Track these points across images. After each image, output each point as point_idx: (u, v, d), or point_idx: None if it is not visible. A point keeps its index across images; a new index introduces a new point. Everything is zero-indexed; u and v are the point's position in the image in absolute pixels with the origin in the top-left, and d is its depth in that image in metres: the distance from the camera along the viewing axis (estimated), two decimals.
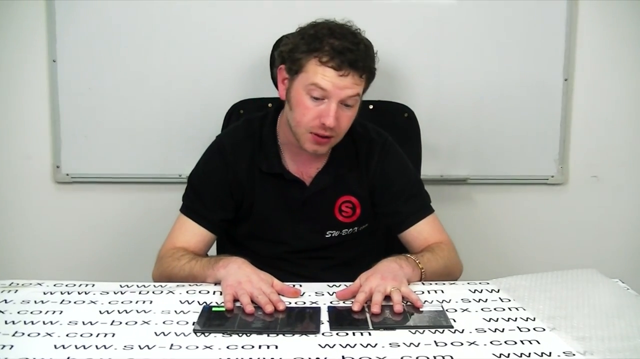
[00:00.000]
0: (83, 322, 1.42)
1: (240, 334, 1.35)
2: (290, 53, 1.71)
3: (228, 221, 1.87)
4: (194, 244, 1.80)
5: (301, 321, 1.44)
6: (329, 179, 1.83)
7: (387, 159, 1.86)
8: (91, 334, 1.36)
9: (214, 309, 1.48)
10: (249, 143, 1.84)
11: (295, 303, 1.53)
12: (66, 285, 1.62)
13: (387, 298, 1.52)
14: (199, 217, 1.82)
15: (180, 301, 1.53)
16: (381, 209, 1.87)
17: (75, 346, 1.30)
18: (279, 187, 1.83)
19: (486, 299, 1.56)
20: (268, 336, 1.35)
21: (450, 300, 1.55)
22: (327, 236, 1.86)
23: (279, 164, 1.82)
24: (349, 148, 1.85)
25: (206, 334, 1.35)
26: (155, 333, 1.37)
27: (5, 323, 1.41)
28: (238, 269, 1.59)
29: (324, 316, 1.45)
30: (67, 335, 1.35)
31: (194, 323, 1.41)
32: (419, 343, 1.32)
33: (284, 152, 1.83)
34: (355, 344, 1.32)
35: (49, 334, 1.36)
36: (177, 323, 1.42)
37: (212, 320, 1.42)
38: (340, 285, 1.62)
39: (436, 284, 1.66)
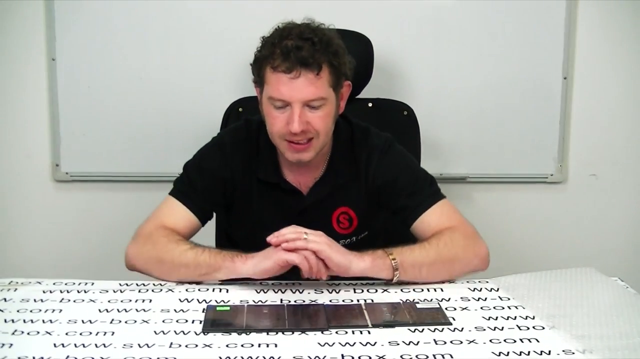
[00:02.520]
0: (82, 321, 1.41)
1: (239, 333, 1.35)
2: (253, 65, 1.68)
3: (214, 212, 1.83)
4: (182, 228, 1.73)
5: (308, 317, 1.44)
6: (327, 190, 1.78)
7: (385, 159, 1.79)
8: (90, 333, 1.36)
9: (218, 308, 1.48)
10: (247, 147, 1.79)
11: (295, 301, 1.53)
12: (65, 284, 1.62)
13: (387, 296, 1.54)
14: (189, 201, 1.75)
15: (180, 300, 1.53)
16: (389, 208, 1.80)
17: (75, 344, 1.30)
18: (275, 196, 1.79)
19: (485, 298, 1.56)
20: (267, 334, 1.35)
21: (449, 299, 1.55)
22: None
23: (275, 173, 1.78)
24: (348, 157, 1.80)
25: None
26: (155, 331, 1.37)
27: (5, 321, 1.41)
28: (261, 254, 1.57)
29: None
30: (66, 334, 1.35)
31: (201, 322, 1.40)
32: (418, 342, 1.32)
33: (281, 160, 1.78)
34: (354, 343, 1.31)
35: (49, 333, 1.35)
36: (177, 321, 1.42)
37: (219, 319, 1.42)
38: (339, 283, 1.63)
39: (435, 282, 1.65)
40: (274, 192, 1.79)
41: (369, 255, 1.59)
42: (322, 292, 1.59)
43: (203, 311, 1.46)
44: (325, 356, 1.26)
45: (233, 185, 1.80)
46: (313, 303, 1.52)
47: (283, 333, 1.35)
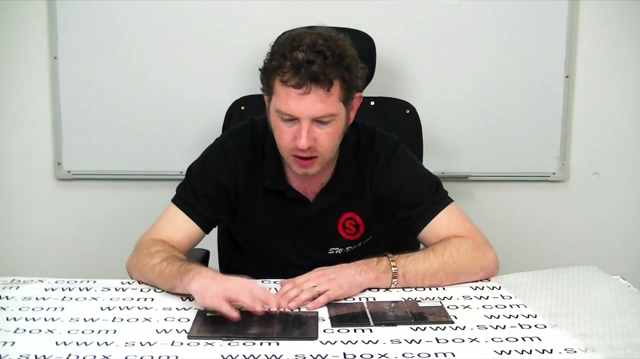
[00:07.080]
0: (84, 319, 1.42)
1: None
2: (262, 74, 1.62)
3: (218, 220, 1.80)
4: (179, 238, 1.69)
5: (299, 326, 1.40)
6: (333, 198, 1.75)
7: (388, 168, 1.75)
8: (92, 331, 1.36)
9: (208, 314, 1.43)
10: (252, 152, 1.75)
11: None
12: (67, 282, 1.63)
13: (389, 295, 1.55)
14: (191, 210, 1.72)
15: (182, 299, 1.53)
16: (394, 217, 1.78)
17: (77, 342, 1.30)
18: (281, 203, 1.76)
19: (487, 296, 1.56)
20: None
21: (451, 297, 1.55)
22: (330, 252, 1.79)
23: (281, 181, 1.74)
24: (354, 163, 1.75)
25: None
26: (157, 330, 1.37)
27: (7, 319, 1.41)
28: (212, 281, 1.46)
29: (324, 313, 1.45)
30: (68, 332, 1.35)
31: (185, 331, 1.37)
32: (420, 340, 1.32)
33: (286, 166, 1.73)
34: (356, 341, 1.32)
35: (50, 331, 1.36)
36: (179, 320, 1.42)
37: (206, 326, 1.38)
38: None
39: None
40: (280, 200, 1.75)
41: (373, 271, 1.58)
42: None
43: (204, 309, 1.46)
44: (327, 355, 1.26)
45: (237, 192, 1.76)
46: (305, 311, 1.47)
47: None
